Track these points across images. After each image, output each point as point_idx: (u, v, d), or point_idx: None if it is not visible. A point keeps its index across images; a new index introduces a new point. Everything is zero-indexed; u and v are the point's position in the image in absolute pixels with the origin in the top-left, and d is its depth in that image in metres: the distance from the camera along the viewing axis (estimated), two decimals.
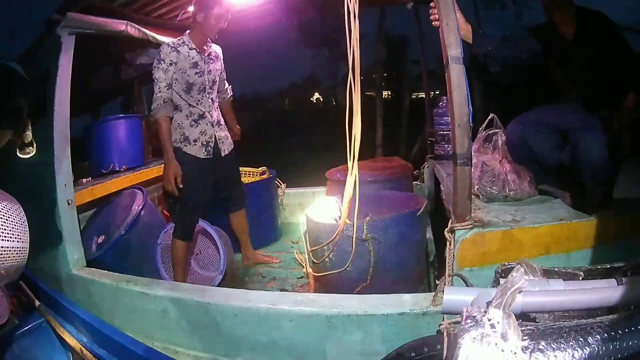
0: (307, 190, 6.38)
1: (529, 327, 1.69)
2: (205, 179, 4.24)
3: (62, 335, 3.39)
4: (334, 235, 3.43)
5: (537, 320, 2.04)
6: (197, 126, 4.18)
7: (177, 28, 5.29)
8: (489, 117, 3.62)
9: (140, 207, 4.60)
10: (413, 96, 17.99)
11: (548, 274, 2.14)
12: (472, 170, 2.98)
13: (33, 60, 4.73)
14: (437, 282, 2.86)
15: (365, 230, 3.31)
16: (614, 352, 1.67)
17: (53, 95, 4.13)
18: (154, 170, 5.62)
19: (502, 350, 1.63)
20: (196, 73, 4.09)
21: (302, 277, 4.49)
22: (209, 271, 4.85)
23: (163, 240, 4.54)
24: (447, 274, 2.66)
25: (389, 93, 29.90)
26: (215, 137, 4.26)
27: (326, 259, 3.55)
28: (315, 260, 3.70)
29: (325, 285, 3.60)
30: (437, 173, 5.12)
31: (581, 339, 1.69)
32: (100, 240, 4.58)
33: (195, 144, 4.17)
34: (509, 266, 2.27)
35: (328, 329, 2.84)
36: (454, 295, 1.91)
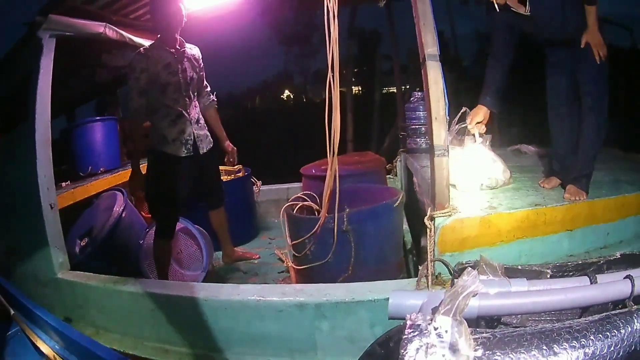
0: (282, 187, 6.48)
1: (484, 335, 1.53)
2: (184, 178, 4.28)
3: (36, 343, 3.42)
4: (315, 228, 3.52)
5: (501, 325, 2.01)
6: (175, 125, 4.18)
7: (154, 29, 5.36)
8: (462, 110, 3.74)
9: (122, 208, 4.63)
10: (383, 91, 18.09)
11: (511, 272, 2.15)
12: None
13: (14, 64, 4.72)
14: (420, 267, 2.99)
15: (345, 222, 3.40)
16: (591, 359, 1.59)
17: (34, 98, 4.10)
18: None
19: None
20: (169, 73, 4.11)
21: (282, 272, 4.57)
22: (191, 270, 4.86)
23: (146, 240, 4.57)
24: (429, 259, 2.78)
25: (359, 88, 30.08)
26: (194, 135, 4.27)
27: (307, 252, 3.64)
28: (296, 254, 3.80)
29: (307, 277, 3.68)
30: (409, 166, 5.24)
31: (545, 347, 1.54)
32: (83, 243, 4.58)
33: (174, 143, 4.18)
34: (466, 265, 2.28)
35: (317, 317, 2.93)
36: (399, 300, 1.91)
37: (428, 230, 2.87)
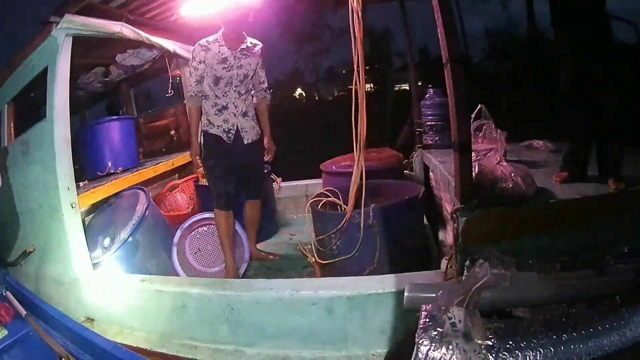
0: (300, 183, 6.60)
1: (496, 325, 1.69)
2: (228, 159, 4.61)
3: (49, 343, 3.51)
4: (342, 223, 3.74)
5: (513, 315, 2.06)
6: (221, 115, 4.51)
7: (170, 29, 5.52)
8: (478, 107, 3.89)
9: (145, 206, 4.75)
10: (396, 88, 18.19)
11: (521, 266, 2.27)
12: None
13: (29, 63, 4.77)
14: (444, 259, 3.18)
15: (371, 217, 3.62)
16: (594, 349, 1.69)
17: (53, 97, 4.22)
18: (151, 171, 5.78)
19: (464, 351, 1.66)
20: (224, 68, 4.41)
21: (306, 267, 4.69)
22: (211, 268, 5.03)
23: (178, 241, 4.79)
24: (454, 251, 2.99)
25: (372, 86, 30.16)
26: (237, 126, 4.58)
27: (333, 247, 3.85)
28: (321, 249, 4.01)
29: (333, 271, 3.89)
30: (427, 162, 5.44)
31: (554, 336, 1.69)
32: (105, 242, 4.62)
33: (218, 129, 4.52)
34: (478, 258, 2.39)
35: (350, 309, 3.09)
36: (415, 292, 2.04)
37: (453, 223, 3.06)
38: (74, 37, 4.33)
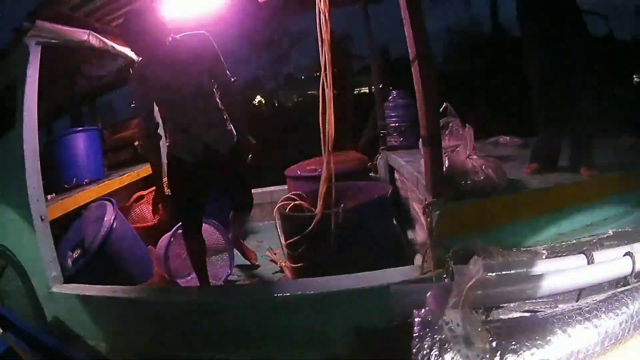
0: (264, 190, 6.59)
1: (495, 325, 1.63)
2: (195, 180, 4.16)
3: None
4: (312, 225, 3.79)
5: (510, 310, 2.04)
6: (184, 134, 4.06)
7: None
8: (443, 105, 3.86)
9: (113, 217, 4.73)
10: (355, 91, 18.30)
11: (506, 255, 2.30)
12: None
13: (1, 70, 4.71)
14: (417, 255, 3.25)
15: (342, 217, 3.69)
16: (605, 338, 1.66)
17: (21, 106, 4.13)
18: (117, 182, 5.77)
19: (467, 357, 1.58)
20: (172, 93, 3.91)
21: (277, 272, 4.75)
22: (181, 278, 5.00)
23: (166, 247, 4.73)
24: (429, 244, 3.08)
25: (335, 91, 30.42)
26: (203, 142, 4.06)
27: (304, 249, 3.91)
28: (291, 253, 4.05)
29: (304, 274, 3.92)
30: (392, 163, 5.53)
31: (559, 331, 1.63)
32: (75, 254, 4.64)
33: (183, 149, 4.10)
34: (462, 250, 2.44)
35: (325, 308, 3.16)
36: (401, 294, 2.02)
37: (426, 217, 3.14)
38: (43, 45, 4.26)
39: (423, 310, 1.74)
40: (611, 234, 2.98)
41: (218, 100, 4.10)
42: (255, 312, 3.35)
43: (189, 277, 4.91)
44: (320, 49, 3.67)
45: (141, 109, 4.05)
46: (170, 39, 3.78)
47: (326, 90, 3.68)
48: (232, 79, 4.22)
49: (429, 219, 3.13)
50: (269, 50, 28.64)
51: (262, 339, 3.34)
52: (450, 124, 3.85)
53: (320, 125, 3.73)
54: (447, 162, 3.44)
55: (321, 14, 3.62)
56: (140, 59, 4.05)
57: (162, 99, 3.98)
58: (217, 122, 4.13)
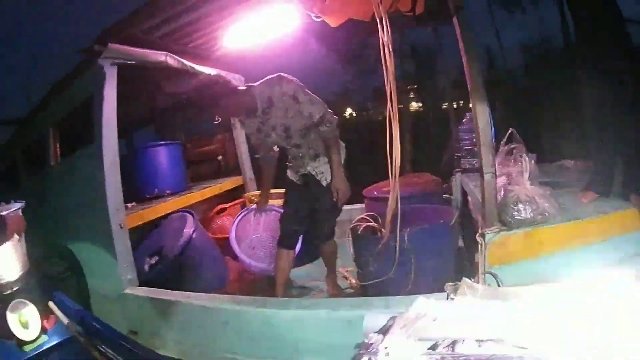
0: (345, 208, 6.69)
1: (436, 357, 1.63)
2: (300, 200, 4.85)
3: (89, 350, 3.81)
4: (379, 247, 4.08)
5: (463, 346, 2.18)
6: (293, 162, 4.85)
7: (215, 58, 5.91)
8: (509, 132, 4.11)
9: (192, 229, 5.12)
10: (444, 106, 18.33)
11: (491, 294, 2.42)
12: (497, 194, 3.61)
13: (72, 89, 5.20)
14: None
15: (406, 241, 3.95)
16: None
17: (100, 123, 4.56)
18: (198, 194, 6.16)
19: None
20: (265, 136, 4.76)
21: (346, 289, 5.02)
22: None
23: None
24: (479, 271, 3.32)
25: (420, 105, 30.66)
26: (309, 170, 4.74)
27: (371, 268, 4.18)
28: (360, 271, 4.38)
29: (371, 292, 4.19)
30: (464, 185, 5.67)
31: None
32: (153, 261, 5.07)
33: (293, 174, 4.90)
34: (455, 285, 2.56)
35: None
36: (371, 320, 2.12)
37: (479, 246, 3.40)
38: (119, 65, 4.66)
39: (373, 334, 1.87)
40: None
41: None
42: (311, 325, 3.59)
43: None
44: (385, 79, 3.91)
45: (261, 148, 4.88)
46: (251, 95, 4.48)
47: (392, 121, 3.90)
48: (319, 116, 4.44)
49: (481, 247, 3.38)
50: (356, 63, 28.86)
51: (319, 352, 3.51)
52: (515, 150, 4.02)
53: (388, 152, 3.93)
54: (502, 192, 3.65)
55: (384, 46, 3.85)
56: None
57: (271, 140, 4.74)
58: (321, 152, 4.68)
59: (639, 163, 3.83)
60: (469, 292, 2.26)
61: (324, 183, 4.65)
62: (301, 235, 5.15)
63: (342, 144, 4.70)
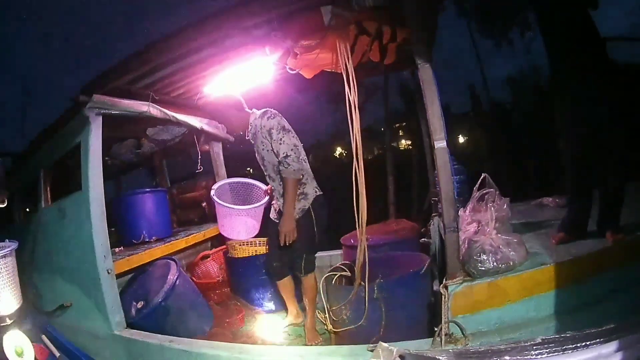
0: (324, 255, 7.00)
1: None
2: (274, 236, 5.07)
3: None
4: (350, 296, 4.25)
5: None
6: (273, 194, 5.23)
7: (195, 106, 6.04)
8: (482, 177, 4.33)
9: (176, 276, 5.30)
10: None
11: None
12: (461, 246, 3.81)
13: (61, 135, 5.38)
14: (435, 329, 3.65)
15: (375, 291, 4.11)
16: None
17: (87, 172, 4.73)
18: (183, 242, 6.29)
19: None
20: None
21: (323, 334, 5.12)
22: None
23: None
24: (443, 321, 3.47)
25: (409, 143, 30.95)
26: (279, 206, 5.11)
27: (344, 317, 4.33)
28: (334, 318, 4.49)
29: (344, 338, 4.35)
30: (441, 230, 5.83)
31: None
32: (139, 305, 5.17)
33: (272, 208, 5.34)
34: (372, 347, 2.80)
35: None
36: None
37: (443, 297, 3.55)
38: (104, 114, 4.84)
39: None
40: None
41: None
42: None
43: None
44: (351, 136, 4.12)
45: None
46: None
47: (358, 177, 4.12)
48: (282, 156, 4.71)
49: (444, 298, 3.53)
50: (344, 103, 29.18)
51: None
52: (487, 196, 4.22)
53: (354, 205, 4.17)
54: (466, 243, 3.83)
55: (351, 104, 4.09)
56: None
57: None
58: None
59: (615, 200, 3.92)
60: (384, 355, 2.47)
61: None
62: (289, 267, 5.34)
63: (318, 193, 5.06)
